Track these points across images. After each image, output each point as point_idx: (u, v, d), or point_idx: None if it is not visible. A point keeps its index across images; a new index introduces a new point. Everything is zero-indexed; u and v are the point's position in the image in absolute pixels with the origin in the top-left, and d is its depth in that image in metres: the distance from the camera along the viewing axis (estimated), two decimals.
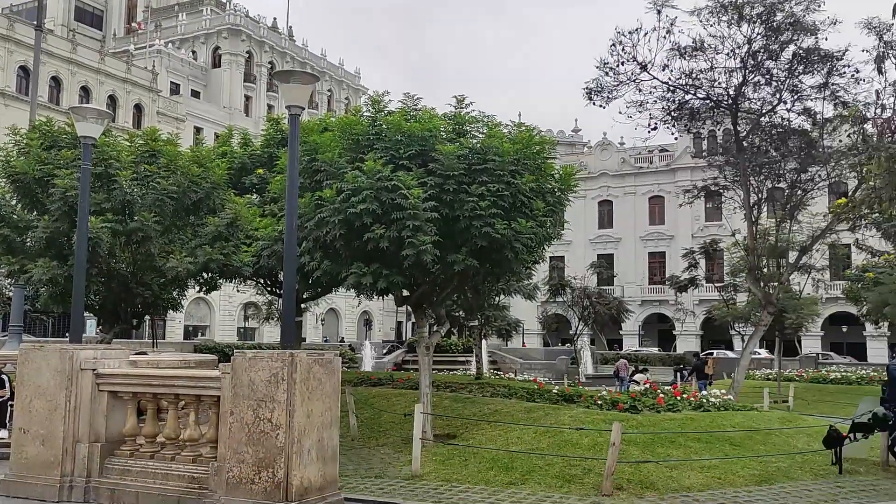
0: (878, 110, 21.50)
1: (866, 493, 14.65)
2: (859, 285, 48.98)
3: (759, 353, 61.49)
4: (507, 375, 35.87)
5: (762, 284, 30.05)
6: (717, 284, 46.07)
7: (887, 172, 18.65)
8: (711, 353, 64.85)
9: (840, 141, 27.66)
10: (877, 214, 25.95)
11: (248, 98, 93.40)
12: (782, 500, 13.87)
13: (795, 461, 16.45)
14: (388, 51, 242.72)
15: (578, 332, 51.41)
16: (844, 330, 76.45)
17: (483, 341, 39.15)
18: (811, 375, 44.42)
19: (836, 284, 65.35)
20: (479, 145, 16.91)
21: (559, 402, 20.36)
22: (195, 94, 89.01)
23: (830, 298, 71.26)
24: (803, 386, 38.73)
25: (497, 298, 32.64)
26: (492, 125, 17.92)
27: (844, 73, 27.03)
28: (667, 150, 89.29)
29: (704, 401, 20.22)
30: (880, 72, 21.92)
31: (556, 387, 23.05)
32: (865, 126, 22.18)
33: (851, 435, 16.45)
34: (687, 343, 79.74)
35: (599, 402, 19.51)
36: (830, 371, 46.73)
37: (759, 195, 29.79)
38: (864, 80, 26.35)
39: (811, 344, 73.75)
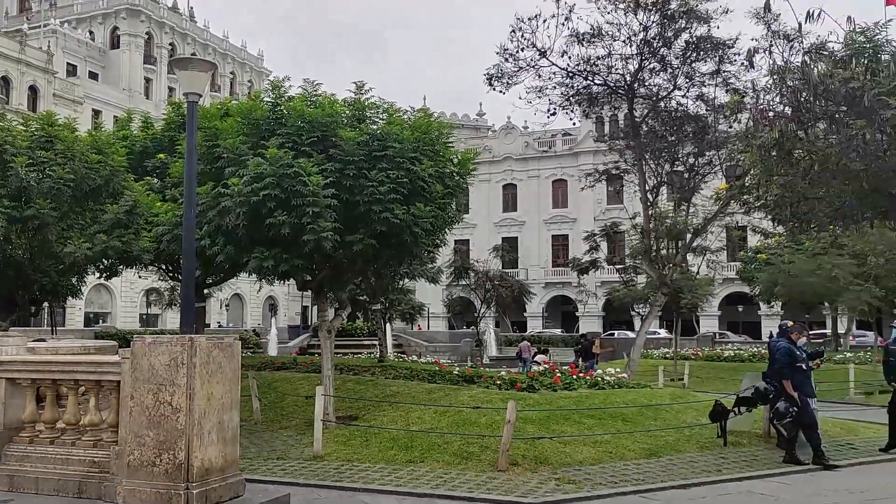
0: (754, 100, 22.31)
1: (748, 463, 15.45)
2: (752, 266, 50.65)
3: (659, 333, 63.07)
4: (410, 358, 36.21)
5: (658, 266, 30.88)
6: (617, 266, 46.90)
7: (760, 160, 19.46)
8: (612, 334, 66.56)
9: (731, 127, 28.54)
10: (752, 199, 26.91)
11: (148, 80, 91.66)
12: (669, 472, 14.49)
13: (683, 435, 17.09)
14: (295, 24, 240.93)
15: (481, 314, 52.02)
16: (740, 309, 78.66)
17: (387, 325, 39.40)
18: (706, 354, 45.54)
19: (731, 265, 67.15)
20: (379, 132, 17.18)
21: (459, 383, 20.70)
22: (93, 75, 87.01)
23: (727, 279, 73.14)
24: (699, 364, 39.94)
25: (401, 282, 32.90)
26: (392, 111, 18.17)
27: (735, 60, 27.92)
28: (570, 135, 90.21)
29: (600, 379, 20.75)
30: (752, 65, 22.76)
31: (458, 368, 23.47)
32: (741, 116, 23.07)
33: (736, 409, 17.14)
34: (590, 324, 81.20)
35: (499, 383, 19.88)
36: (725, 349, 48.09)
37: (658, 178, 30.48)
38: (752, 69, 27.30)
39: (709, 323, 75.85)
